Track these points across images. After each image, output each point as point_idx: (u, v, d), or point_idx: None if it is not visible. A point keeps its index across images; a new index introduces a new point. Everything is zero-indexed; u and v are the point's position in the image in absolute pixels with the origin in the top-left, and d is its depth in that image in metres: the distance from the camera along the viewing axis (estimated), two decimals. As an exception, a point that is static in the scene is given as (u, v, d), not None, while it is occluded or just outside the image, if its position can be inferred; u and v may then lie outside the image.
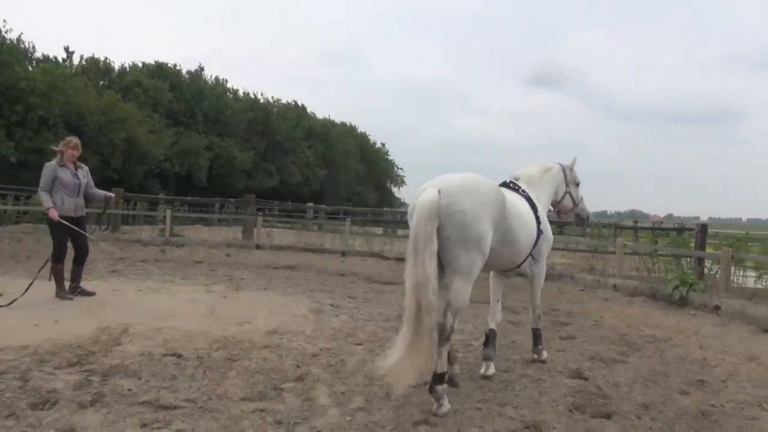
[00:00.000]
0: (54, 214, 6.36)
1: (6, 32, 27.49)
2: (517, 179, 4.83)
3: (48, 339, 4.72)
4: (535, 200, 4.65)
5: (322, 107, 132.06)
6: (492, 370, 4.43)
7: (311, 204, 26.81)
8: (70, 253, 6.71)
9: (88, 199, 6.97)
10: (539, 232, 4.50)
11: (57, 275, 6.57)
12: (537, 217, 4.51)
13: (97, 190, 6.99)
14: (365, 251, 12.94)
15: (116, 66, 38.58)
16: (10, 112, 24.71)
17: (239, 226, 16.21)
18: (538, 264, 4.71)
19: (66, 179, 6.53)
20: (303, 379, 4.14)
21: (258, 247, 12.95)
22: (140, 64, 40.12)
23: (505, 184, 4.63)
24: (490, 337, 4.60)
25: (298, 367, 4.42)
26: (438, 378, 3.60)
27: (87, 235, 6.76)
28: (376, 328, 5.94)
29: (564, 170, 5.23)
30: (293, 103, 51.96)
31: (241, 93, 46.72)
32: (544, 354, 4.96)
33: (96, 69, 36.23)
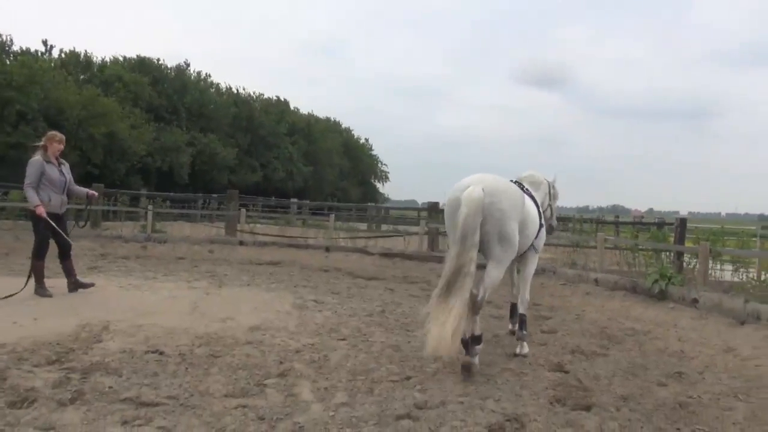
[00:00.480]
0: (42, 211, 6.28)
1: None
2: (522, 180, 5.36)
3: (27, 337, 4.66)
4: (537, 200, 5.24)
5: (305, 102, 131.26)
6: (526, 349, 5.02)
7: (295, 200, 26.71)
8: (52, 249, 6.64)
9: (70, 196, 6.90)
10: (540, 226, 5.10)
11: (38, 272, 6.48)
12: (540, 214, 5.12)
13: (78, 187, 6.93)
14: (349, 247, 12.93)
15: (97, 60, 38.09)
16: (-13, 107, 24.30)
17: (222, 222, 16.10)
18: (535, 254, 5.26)
19: (53, 175, 6.45)
20: (286, 375, 4.14)
21: (241, 243, 12.87)
22: (121, 58, 39.63)
23: (515, 183, 5.11)
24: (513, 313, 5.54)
25: (281, 363, 4.42)
26: (475, 339, 4.35)
27: (65, 235, 6.67)
28: (359, 324, 5.95)
29: (550, 186, 5.79)
30: (276, 98, 51.70)
31: (223, 88, 46.37)
32: (526, 348, 5.02)
33: (76, 63, 35.69)
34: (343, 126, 62.47)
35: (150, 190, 28.02)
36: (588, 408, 3.74)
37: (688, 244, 10.09)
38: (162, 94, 38.64)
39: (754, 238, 12.72)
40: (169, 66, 41.60)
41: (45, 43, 35.42)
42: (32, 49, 33.44)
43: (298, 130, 50.46)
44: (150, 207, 14.75)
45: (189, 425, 3.19)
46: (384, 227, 19.71)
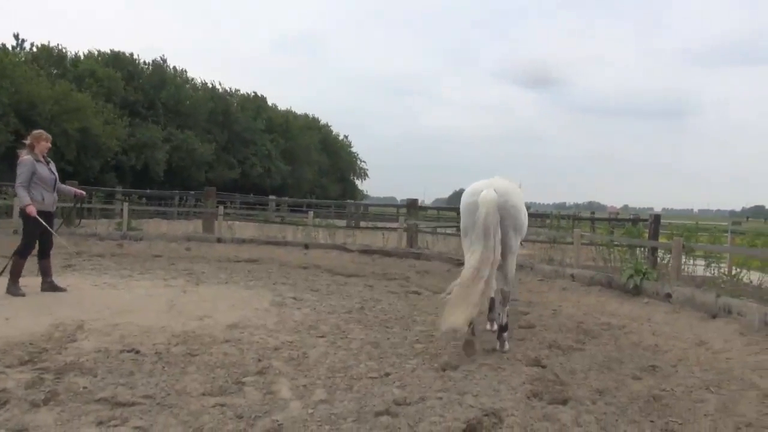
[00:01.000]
0: (32, 210, 6.27)
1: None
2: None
3: (-2, 337, 4.56)
4: None
5: (282, 99, 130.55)
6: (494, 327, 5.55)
7: (273, 197, 26.51)
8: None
9: (58, 194, 6.88)
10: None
11: (16, 270, 6.42)
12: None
13: (65, 185, 7.00)
14: (328, 244, 12.90)
15: (71, 54, 37.31)
16: (-45, 102, 23.67)
17: (199, 220, 15.94)
18: (519, 243, 5.59)
19: (44, 174, 6.48)
20: (264, 372, 4.12)
21: (219, 240, 12.76)
22: (96, 52, 38.89)
23: None
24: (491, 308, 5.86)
25: (259, 360, 4.40)
26: (503, 328, 5.12)
27: (53, 231, 6.68)
28: (338, 321, 5.95)
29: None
30: (253, 94, 51.22)
31: (199, 83, 45.76)
32: (507, 345, 5.09)
33: (48, 57, 34.92)
34: (321, 123, 62.17)
35: (125, 187, 27.57)
36: (564, 402, 3.80)
37: (662, 239, 10.27)
38: (138, 89, 38.01)
39: (725, 234, 12.99)
40: (144, 61, 40.98)
41: (16, 36, 34.61)
42: (1, 43, 32.64)
43: (276, 126, 50.02)
44: (125, 204, 14.54)
45: (166, 425, 3.16)
46: (363, 224, 19.68)
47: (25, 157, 6.41)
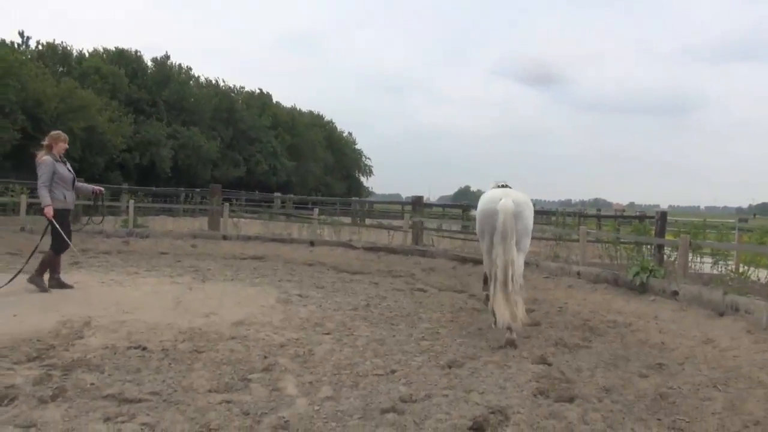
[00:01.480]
0: (50, 211, 6.46)
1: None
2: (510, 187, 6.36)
3: (6, 333, 4.59)
4: None
5: (284, 98, 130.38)
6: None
7: (279, 194, 26.54)
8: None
9: (76, 192, 7.10)
10: None
11: (47, 265, 6.63)
12: None
13: (82, 184, 7.22)
14: (333, 241, 12.91)
15: (75, 52, 37.43)
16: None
17: (205, 217, 15.98)
18: (528, 243, 6.23)
19: (64, 173, 6.69)
20: (270, 369, 4.13)
21: (225, 237, 12.79)
22: (101, 49, 39.01)
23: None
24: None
25: (265, 357, 4.41)
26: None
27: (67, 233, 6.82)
28: (344, 318, 5.96)
29: None
30: (258, 91, 51.26)
31: (203, 80, 45.82)
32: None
33: (53, 54, 35.04)
34: (325, 119, 62.18)
35: (131, 185, 27.68)
36: (571, 400, 3.79)
37: (668, 237, 10.22)
38: (142, 86, 38.10)
39: (733, 231, 12.91)
40: (147, 58, 41.07)
41: (22, 34, 34.75)
42: (8, 41, 32.75)
43: (282, 123, 50.07)
44: (131, 201, 14.58)
45: (173, 421, 3.17)
46: (368, 221, 19.69)
47: (45, 157, 6.57)
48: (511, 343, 5.09)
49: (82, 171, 26.85)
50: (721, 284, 7.26)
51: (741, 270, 8.96)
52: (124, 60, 38.49)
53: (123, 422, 3.12)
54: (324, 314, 6.08)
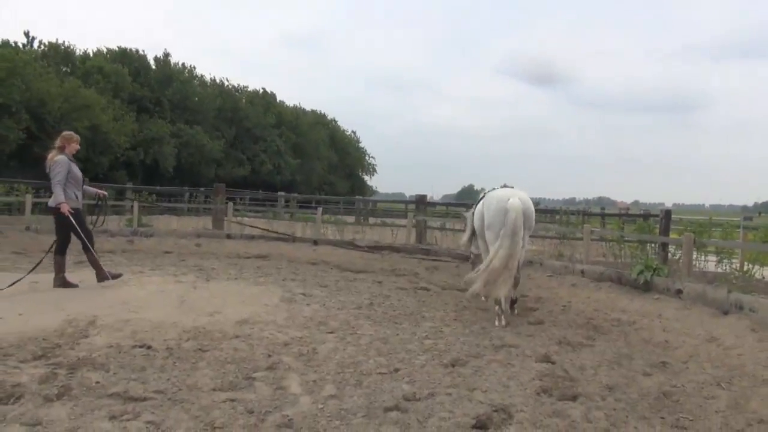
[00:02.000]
0: (66, 209, 6.57)
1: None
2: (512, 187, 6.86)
3: (12, 332, 4.62)
4: None
5: (291, 95, 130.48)
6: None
7: (282, 193, 26.56)
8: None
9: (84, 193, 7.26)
10: None
11: (60, 266, 6.77)
12: None
13: (88, 186, 7.34)
14: (337, 240, 12.92)
15: (79, 51, 37.53)
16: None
17: (209, 216, 16.01)
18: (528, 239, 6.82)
19: (77, 173, 6.88)
20: (274, 368, 4.15)
21: (228, 236, 12.82)
22: (104, 49, 39.11)
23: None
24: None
25: (269, 356, 4.42)
26: (515, 301, 6.59)
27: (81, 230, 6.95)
28: (347, 317, 5.96)
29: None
30: (262, 90, 51.28)
31: (207, 79, 45.87)
32: (516, 311, 6.50)
33: (56, 54, 35.14)
34: (329, 118, 62.17)
35: (135, 184, 27.74)
36: (574, 398, 3.79)
37: (672, 235, 10.20)
38: (145, 85, 38.17)
39: (737, 230, 12.87)
40: (151, 57, 41.14)
41: (27, 34, 34.89)
42: (13, 42, 32.86)
43: (285, 122, 50.11)
44: (135, 201, 14.62)
45: (177, 419, 3.18)
46: (372, 220, 19.70)
47: (59, 156, 6.71)
48: (500, 319, 5.93)
49: (86, 171, 26.76)
50: (725, 282, 7.24)
51: (745, 268, 8.94)
52: (127, 59, 38.57)
53: (128, 420, 3.14)
54: (328, 313, 6.09)
